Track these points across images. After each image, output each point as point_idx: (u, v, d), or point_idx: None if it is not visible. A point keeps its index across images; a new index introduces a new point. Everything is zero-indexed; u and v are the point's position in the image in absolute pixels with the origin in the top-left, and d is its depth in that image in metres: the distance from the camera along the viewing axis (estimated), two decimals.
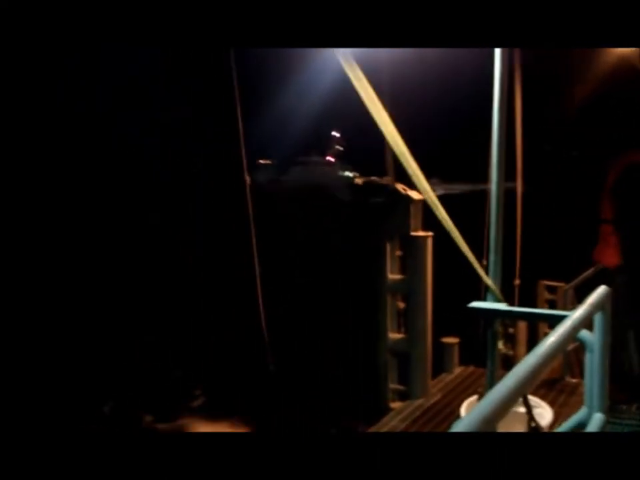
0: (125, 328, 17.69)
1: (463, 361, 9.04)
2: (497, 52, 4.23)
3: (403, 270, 7.61)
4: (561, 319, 2.47)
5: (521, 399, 3.54)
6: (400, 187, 7.33)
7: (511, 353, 7.42)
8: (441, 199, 4.22)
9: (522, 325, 9.05)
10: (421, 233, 7.35)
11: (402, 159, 3.79)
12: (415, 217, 7.28)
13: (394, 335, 7.75)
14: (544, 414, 4.59)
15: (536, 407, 4.41)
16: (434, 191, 4.17)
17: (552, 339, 2.15)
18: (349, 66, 3.41)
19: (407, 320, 7.64)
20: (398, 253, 7.69)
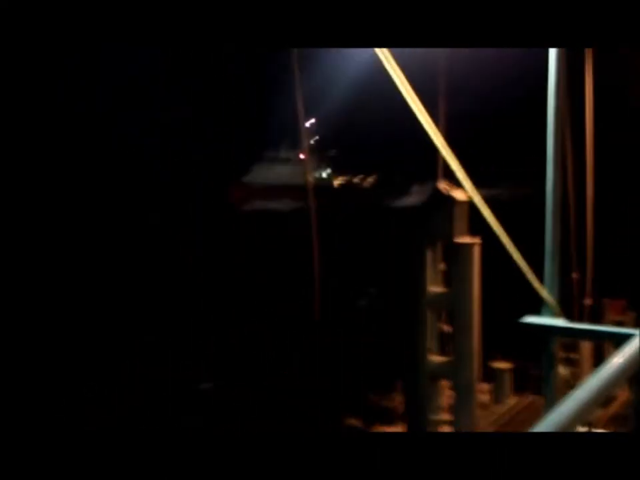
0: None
1: (519, 388, 8.61)
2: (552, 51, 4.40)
3: (446, 282, 7.32)
4: (628, 337, 2.30)
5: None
6: (443, 185, 7.05)
7: (572, 380, 7.10)
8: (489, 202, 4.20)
9: (586, 348, 8.64)
10: (467, 239, 6.88)
11: (447, 158, 4.07)
12: (460, 220, 6.87)
13: (434, 358, 7.44)
14: None
15: None
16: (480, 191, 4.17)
17: (617, 359, 1.99)
18: (392, 69, 3.88)
19: (451, 340, 7.35)
20: (441, 265, 7.44)
